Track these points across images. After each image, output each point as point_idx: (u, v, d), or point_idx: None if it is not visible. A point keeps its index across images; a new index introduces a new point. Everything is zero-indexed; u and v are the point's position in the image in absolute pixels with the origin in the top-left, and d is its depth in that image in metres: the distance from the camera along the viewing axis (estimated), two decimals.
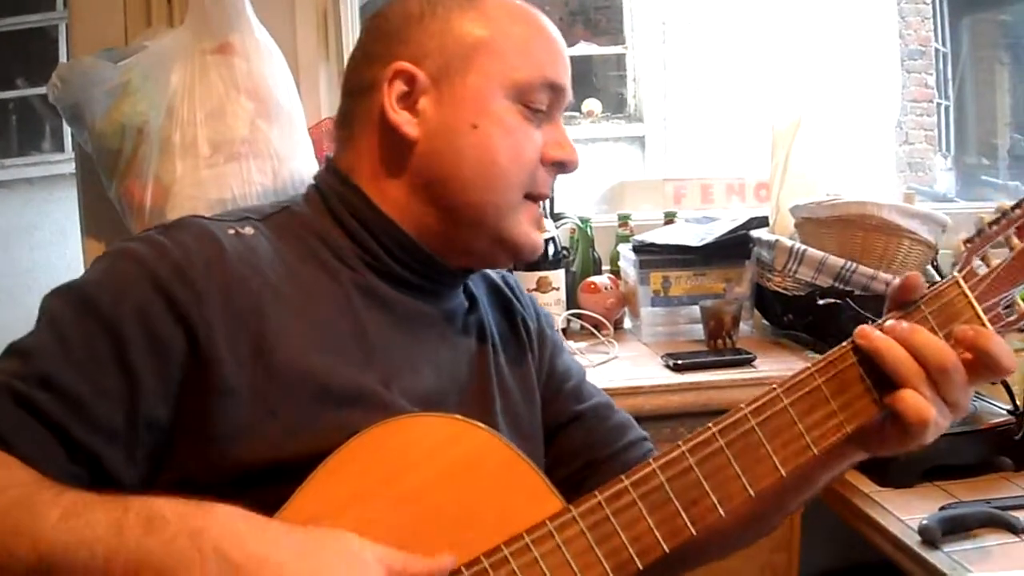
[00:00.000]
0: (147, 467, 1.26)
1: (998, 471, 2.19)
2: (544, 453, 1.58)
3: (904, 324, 1.27)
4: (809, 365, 1.29)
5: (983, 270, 1.32)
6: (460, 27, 1.42)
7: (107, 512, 1.06)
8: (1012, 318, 1.32)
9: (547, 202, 3.16)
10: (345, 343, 1.36)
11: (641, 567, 1.23)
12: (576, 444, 1.61)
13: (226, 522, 1.08)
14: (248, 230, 1.38)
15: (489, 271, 1.68)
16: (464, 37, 1.41)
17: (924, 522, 1.87)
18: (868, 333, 1.27)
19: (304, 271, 1.38)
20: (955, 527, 1.87)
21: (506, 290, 1.68)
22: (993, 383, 1.86)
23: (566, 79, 1.47)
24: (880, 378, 1.26)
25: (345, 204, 1.45)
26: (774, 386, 1.28)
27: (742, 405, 1.27)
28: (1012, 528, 1.88)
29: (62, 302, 1.26)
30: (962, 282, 1.30)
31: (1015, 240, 1.33)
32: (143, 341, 1.22)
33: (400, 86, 1.40)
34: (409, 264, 1.44)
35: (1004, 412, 2.25)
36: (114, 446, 1.21)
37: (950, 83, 7.75)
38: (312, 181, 1.53)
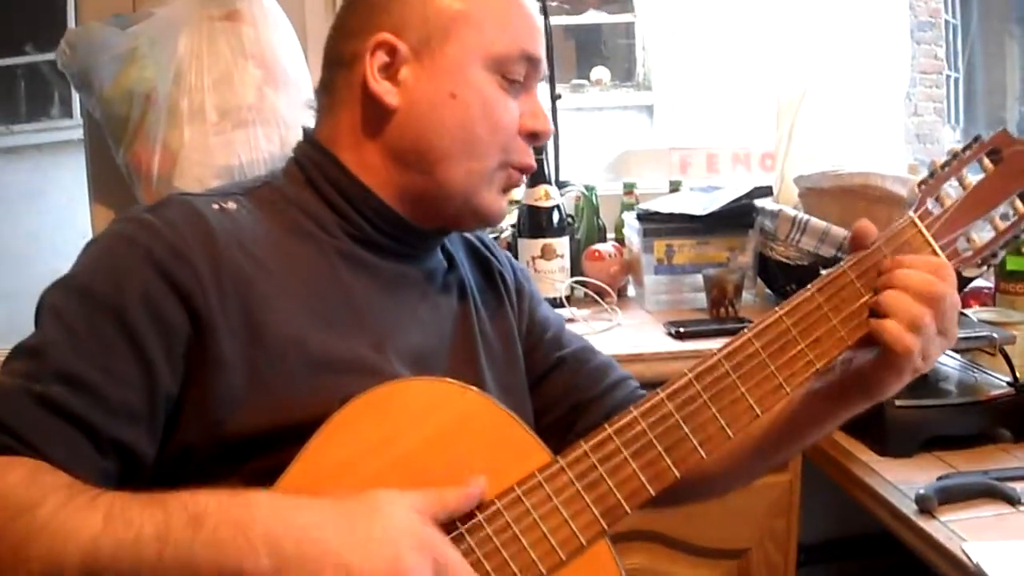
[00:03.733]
0: (161, 441, 1.28)
1: (997, 442, 2.20)
2: (532, 401, 1.63)
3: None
4: (777, 308, 1.34)
5: (939, 210, 1.39)
6: (440, 0, 1.45)
7: (150, 513, 1.09)
8: (968, 254, 1.38)
9: (552, 169, 3.17)
10: (333, 310, 1.39)
11: (629, 510, 1.28)
12: (561, 389, 1.67)
13: (269, 510, 1.11)
14: (231, 205, 1.40)
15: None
16: (444, 10, 1.44)
17: (921, 491, 1.88)
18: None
19: (288, 243, 1.41)
20: (952, 497, 1.89)
21: (482, 248, 1.73)
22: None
23: (542, 51, 1.51)
24: (848, 315, 1.34)
25: (324, 175, 1.48)
26: (745, 330, 1.34)
27: (715, 350, 1.33)
28: (1009, 499, 1.89)
29: (62, 295, 1.28)
30: (917, 221, 1.38)
31: (968, 179, 1.39)
32: (149, 321, 1.24)
33: (382, 57, 1.44)
34: (386, 230, 1.48)
35: (1004, 384, 2.26)
36: (137, 428, 1.23)
37: (960, 55, 7.71)
38: (291, 154, 1.56)
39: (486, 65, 1.45)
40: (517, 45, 1.46)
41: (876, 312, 1.33)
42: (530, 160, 1.53)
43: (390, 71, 1.44)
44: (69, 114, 6.56)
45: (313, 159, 1.50)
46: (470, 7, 1.45)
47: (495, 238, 3.07)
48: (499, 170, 1.49)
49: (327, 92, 1.53)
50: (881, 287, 1.34)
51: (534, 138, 1.52)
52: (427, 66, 1.44)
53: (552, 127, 1.56)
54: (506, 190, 1.53)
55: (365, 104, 1.46)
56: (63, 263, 1.35)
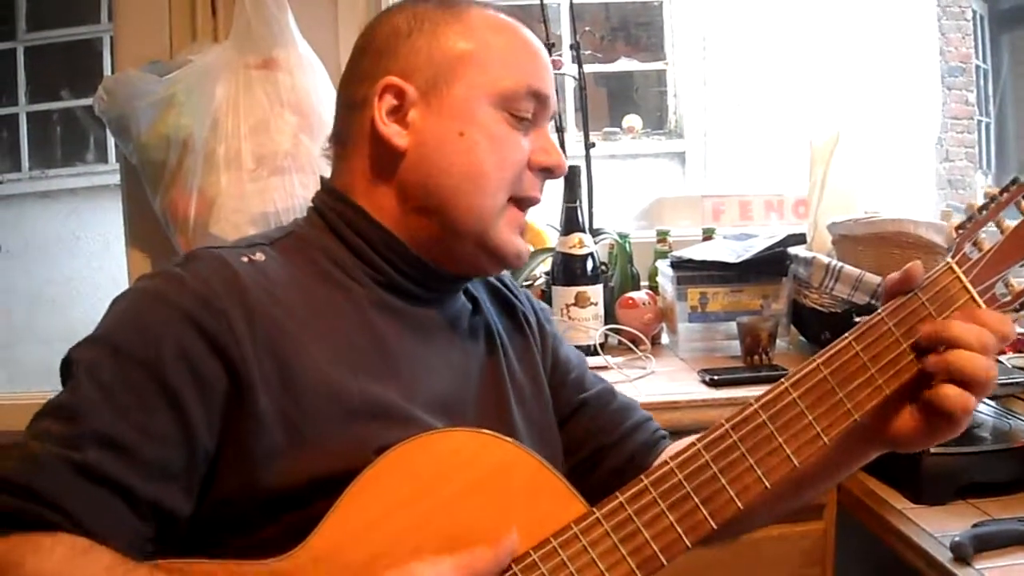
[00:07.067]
0: (197, 495, 1.28)
1: None
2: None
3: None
4: (814, 357, 1.33)
5: (976, 255, 1.37)
6: (446, 41, 1.46)
7: None
8: (1007, 299, 1.37)
9: (586, 218, 3.17)
10: (364, 357, 1.39)
11: (665, 562, 1.27)
12: (583, 431, 1.67)
13: None
14: (259, 256, 1.40)
15: None
16: (450, 50, 1.46)
17: (956, 539, 1.87)
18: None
19: (317, 291, 1.41)
20: (987, 544, 1.87)
21: (504, 289, 1.73)
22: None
23: (549, 88, 1.52)
24: (886, 364, 1.32)
25: (345, 220, 1.48)
26: (782, 380, 1.32)
27: (751, 401, 1.32)
28: None
29: (95, 353, 1.26)
30: (956, 267, 1.36)
31: (1005, 223, 1.38)
32: (187, 377, 1.24)
33: (390, 100, 1.45)
34: (409, 274, 1.48)
35: None
36: (175, 487, 1.23)
37: (991, 100, 7.70)
38: (311, 203, 1.57)
39: (493, 103, 1.46)
40: (523, 82, 1.48)
41: (928, 370, 1.32)
42: (537, 193, 1.54)
43: (399, 114, 1.45)
44: (104, 159, 6.62)
45: (332, 206, 1.51)
46: (475, 47, 1.47)
47: (528, 286, 3.08)
48: (508, 206, 1.49)
49: (340, 140, 1.55)
50: (935, 344, 1.32)
51: (548, 173, 1.53)
52: (435, 107, 1.45)
53: (565, 161, 1.56)
54: (517, 229, 1.53)
55: (376, 147, 1.47)
56: (99, 308, 1.35)
